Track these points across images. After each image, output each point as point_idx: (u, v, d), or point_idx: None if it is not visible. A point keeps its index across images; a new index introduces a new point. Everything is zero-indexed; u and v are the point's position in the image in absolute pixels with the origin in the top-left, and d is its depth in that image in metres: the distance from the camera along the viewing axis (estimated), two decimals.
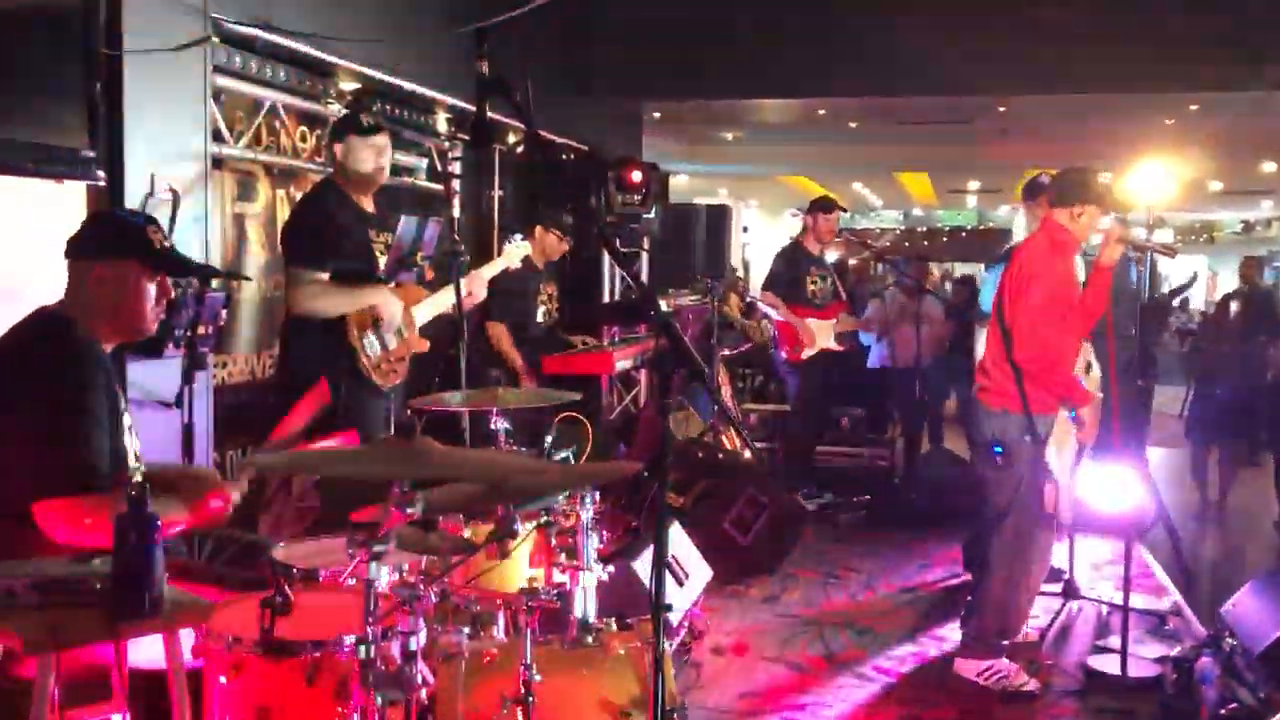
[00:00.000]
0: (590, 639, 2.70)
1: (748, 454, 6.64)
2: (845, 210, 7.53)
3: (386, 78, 5.87)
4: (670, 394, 2.10)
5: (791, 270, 7.00)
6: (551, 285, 6.12)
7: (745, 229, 21.40)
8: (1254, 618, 4.34)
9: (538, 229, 6.00)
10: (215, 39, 4.35)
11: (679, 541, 4.67)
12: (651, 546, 4.49)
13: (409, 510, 2.13)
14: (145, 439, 2.85)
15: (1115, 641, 4.46)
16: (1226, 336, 8.59)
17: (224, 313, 4.03)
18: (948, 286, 13.67)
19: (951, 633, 4.76)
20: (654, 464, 4.61)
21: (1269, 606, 4.34)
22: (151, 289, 2.65)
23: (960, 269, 18.31)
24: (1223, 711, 3.79)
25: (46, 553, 2.39)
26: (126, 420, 2.68)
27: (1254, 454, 9.15)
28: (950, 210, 25.87)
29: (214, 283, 3.94)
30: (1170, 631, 4.88)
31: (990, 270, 5.67)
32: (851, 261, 13.87)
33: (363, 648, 2.13)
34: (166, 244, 2.69)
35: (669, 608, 2.30)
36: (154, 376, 3.83)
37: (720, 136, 12.92)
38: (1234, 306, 8.72)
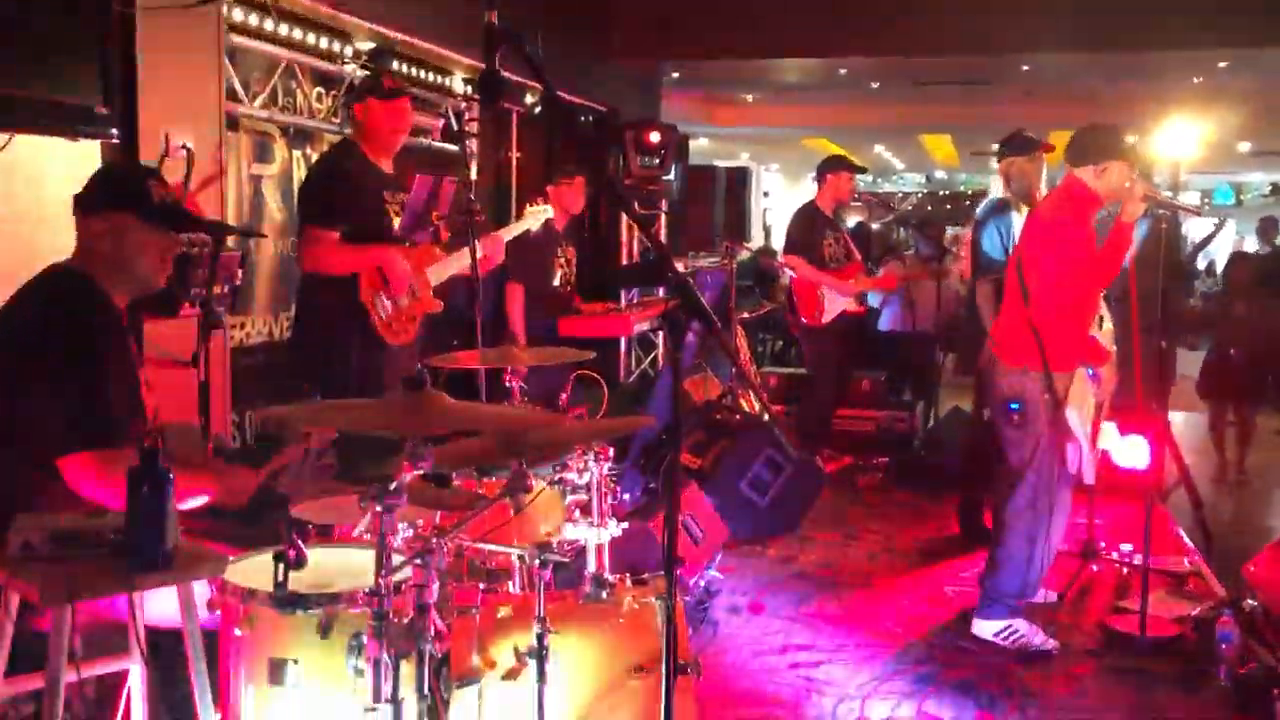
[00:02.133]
0: (604, 594, 2.70)
1: (766, 416, 6.63)
2: (863, 170, 7.44)
3: (403, 36, 5.84)
4: (681, 348, 2.08)
5: (807, 233, 6.94)
6: (571, 249, 6.12)
7: (766, 193, 21.28)
8: (1274, 578, 4.32)
9: (549, 189, 6.00)
10: None
11: (696, 502, 4.68)
12: (666, 502, 4.51)
13: (420, 464, 2.12)
14: (161, 398, 2.86)
15: (1135, 602, 4.44)
16: (1240, 296, 8.51)
17: (240, 272, 4.04)
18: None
19: (970, 593, 4.75)
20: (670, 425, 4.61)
21: None
22: (153, 242, 2.64)
23: None
24: (1242, 671, 3.78)
25: (69, 505, 2.41)
26: (141, 376, 2.69)
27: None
28: (973, 174, 25.61)
29: (229, 241, 3.94)
30: (1190, 593, 4.86)
31: (985, 226, 5.57)
32: (875, 226, 13.76)
33: (376, 600, 2.14)
34: (169, 198, 2.68)
35: (681, 562, 2.30)
36: (170, 335, 3.84)
37: (740, 97, 12.81)
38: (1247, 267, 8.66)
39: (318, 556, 2.38)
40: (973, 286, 5.76)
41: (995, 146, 5.88)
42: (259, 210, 5.29)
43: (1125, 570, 5.10)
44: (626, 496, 4.16)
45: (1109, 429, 5.17)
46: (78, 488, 2.41)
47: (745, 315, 8.45)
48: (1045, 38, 8.31)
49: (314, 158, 5.54)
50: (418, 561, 2.18)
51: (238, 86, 4.88)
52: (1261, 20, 7.66)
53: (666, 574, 2.12)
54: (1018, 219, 5.44)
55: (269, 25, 4.96)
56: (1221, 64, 9.37)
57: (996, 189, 5.86)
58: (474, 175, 7.06)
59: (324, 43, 5.48)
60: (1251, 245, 15.45)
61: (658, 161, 8.21)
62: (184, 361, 3.83)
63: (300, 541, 2.19)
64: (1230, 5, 7.73)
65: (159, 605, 2.39)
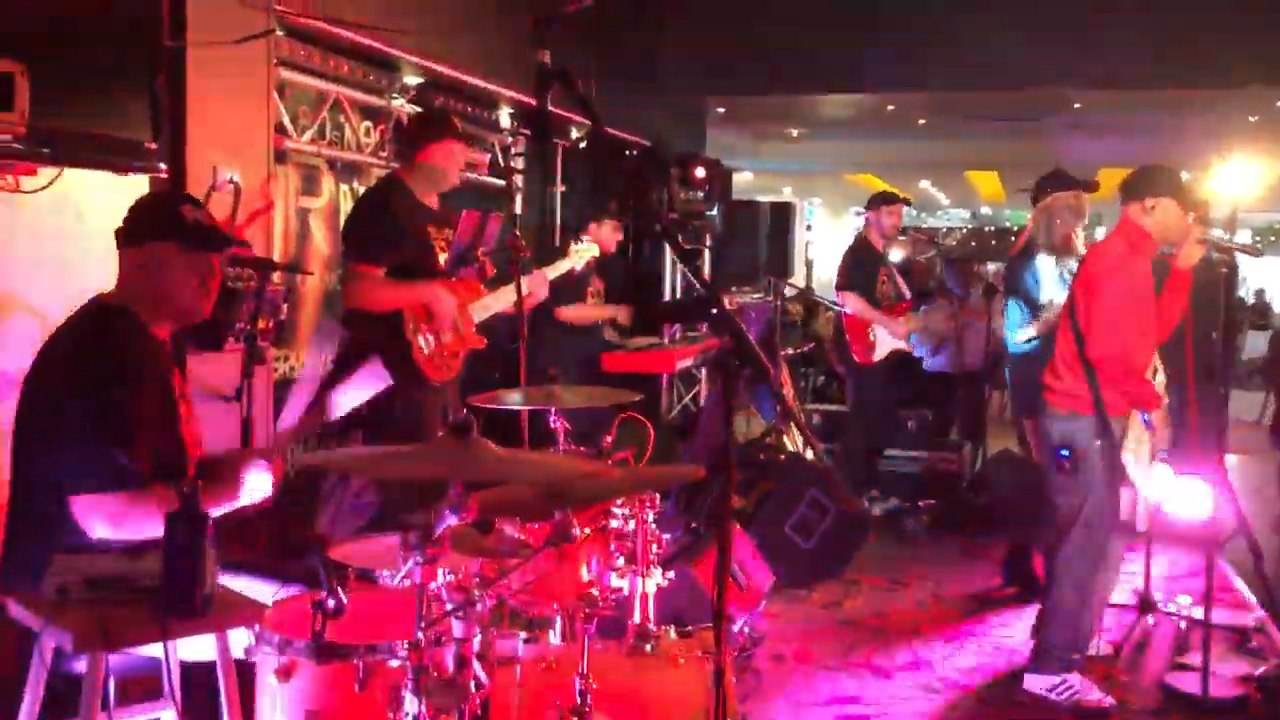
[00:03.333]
0: (649, 646, 2.62)
1: (810, 455, 6.52)
2: (909, 202, 7.33)
3: (449, 71, 5.85)
4: (735, 395, 2.01)
5: (862, 270, 6.85)
6: (601, 282, 6.13)
7: (809, 227, 21.19)
8: None
9: (591, 225, 6.03)
10: (279, 31, 4.34)
11: (740, 545, 4.58)
12: (713, 548, 4.42)
13: (463, 513, 2.06)
14: (204, 433, 2.83)
15: (1195, 659, 4.27)
16: None
17: (285, 306, 4.02)
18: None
19: (1021, 644, 4.61)
20: (715, 466, 4.51)
21: None
22: (192, 267, 2.61)
23: None
24: None
25: (87, 538, 2.37)
26: (181, 410, 2.65)
27: None
28: (1018, 210, 25.39)
29: (275, 276, 3.93)
30: (1254, 649, 4.68)
31: (1022, 264, 5.43)
32: (919, 259, 13.61)
33: (415, 653, 2.07)
34: (203, 219, 2.65)
35: (730, 619, 2.22)
36: (214, 370, 3.82)
37: (785, 132, 12.78)
38: None
39: (359, 603, 2.32)
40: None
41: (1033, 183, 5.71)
42: (305, 243, 5.30)
43: (1184, 625, 4.92)
44: (667, 536, 4.07)
45: (1163, 473, 5.01)
46: (87, 528, 2.38)
47: (789, 351, 8.35)
48: (1095, 74, 8.21)
49: (360, 191, 5.54)
50: (459, 615, 2.11)
51: (286, 120, 4.89)
52: None
53: (715, 632, 2.04)
54: (1045, 261, 5.32)
55: (318, 59, 4.98)
56: (1279, 103, 9.20)
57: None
58: (519, 210, 7.08)
59: (372, 77, 5.49)
60: None
61: (702, 196, 8.17)
62: (227, 396, 3.81)
63: (339, 588, 2.13)
64: None
65: (195, 641, 2.34)
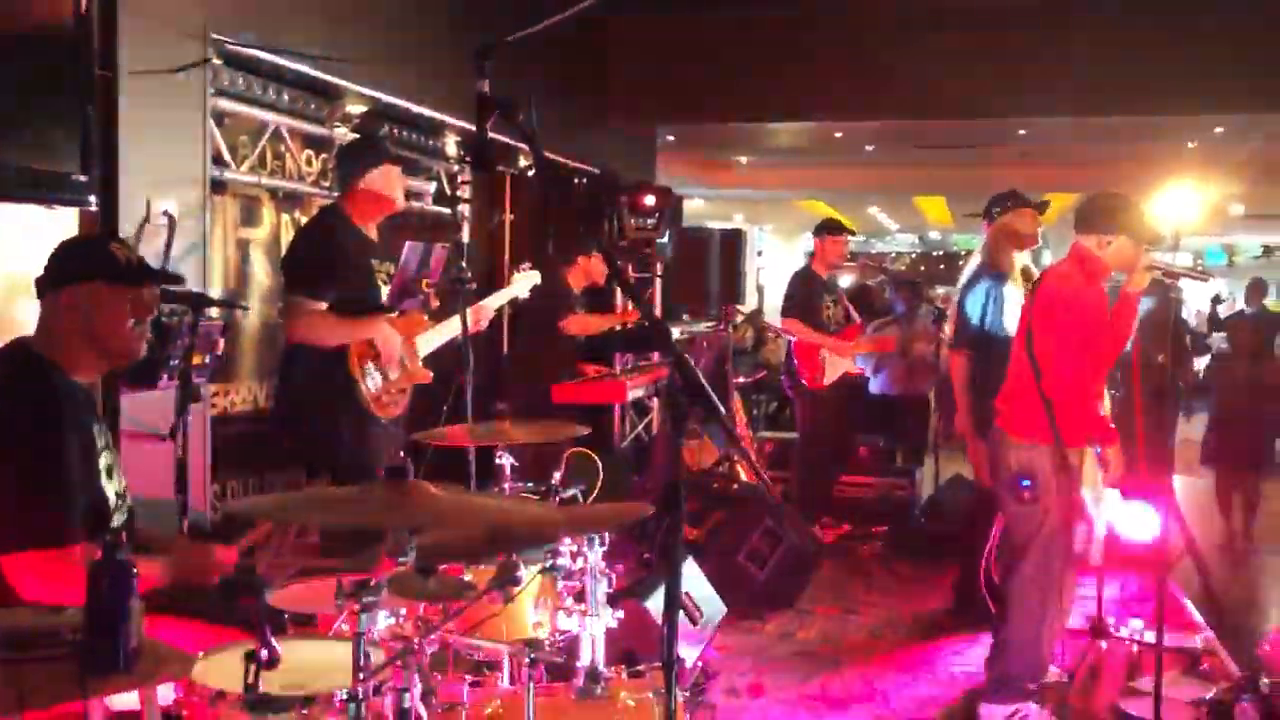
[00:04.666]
0: (598, 689, 2.55)
1: (762, 485, 6.49)
2: (854, 233, 7.38)
3: (393, 99, 5.77)
4: (684, 433, 1.96)
5: (806, 297, 6.87)
6: (583, 311, 6.27)
7: (760, 253, 21.28)
8: None
9: (580, 258, 6.15)
10: (216, 60, 4.25)
11: (693, 576, 4.52)
12: (663, 585, 4.35)
13: (403, 558, 1.99)
14: (138, 473, 2.73)
15: (1147, 682, 4.27)
16: (1238, 361, 8.43)
17: (221, 341, 3.92)
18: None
19: (975, 672, 4.58)
20: (666, 500, 4.44)
21: None
22: (125, 306, 2.52)
23: None
24: None
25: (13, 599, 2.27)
26: (104, 460, 2.55)
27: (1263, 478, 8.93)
28: (965, 234, 25.70)
29: (212, 310, 3.82)
30: (1205, 671, 4.69)
31: (971, 290, 5.41)
32: (869, 283, 13.71)
33: (352, 706, 1.99)
34: (133, 257, 2.57)
35: (680, 661, 2.16)
36: (148, 407, 3.70)
37: (735, 160, 12.82)
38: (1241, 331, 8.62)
39: (296, 650, 2.23)
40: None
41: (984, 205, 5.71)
42: (245, 275, 5.19)
43: (1136, 648, 4.93)
44: (620, 568, 4.01)
45: (1112, 497, 5.02)
46: (19, 589, 2.27)
47: (741, 379, 8.34)
48: (1041, 102, 8.32)
49: (303, 221, 5.45)
50: (398, 663, 2.03)
51: (224, 150, 4.79)
52: (1258, 86, 7.66)
53: (666, 674, 1.97)
54: (1012, 288, 5.31)
55: (257, 89, 4.89)
56: (1218, 129, 9.38)
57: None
58: (466, 239, 7.01)
59: (313, 106, 5.41)
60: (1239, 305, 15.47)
61: (652, 223, 8.14)
62: (161, 434, 3.69)
63: (273, 639, 2.04)
64: (1225, 71, 7.73)
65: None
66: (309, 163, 5.56)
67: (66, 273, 2.51)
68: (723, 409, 1.98)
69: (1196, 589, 5.74)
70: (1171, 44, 7.69)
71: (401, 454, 3.81)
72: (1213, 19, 7.64)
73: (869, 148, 11.25)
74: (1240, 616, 5.57)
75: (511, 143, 6.85)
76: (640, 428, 8.53)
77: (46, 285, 2.52)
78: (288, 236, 5.39)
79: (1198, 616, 5.54)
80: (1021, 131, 9.88)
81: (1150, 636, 4.37)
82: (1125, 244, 4.08)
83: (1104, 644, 4.97)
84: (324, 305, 3.92)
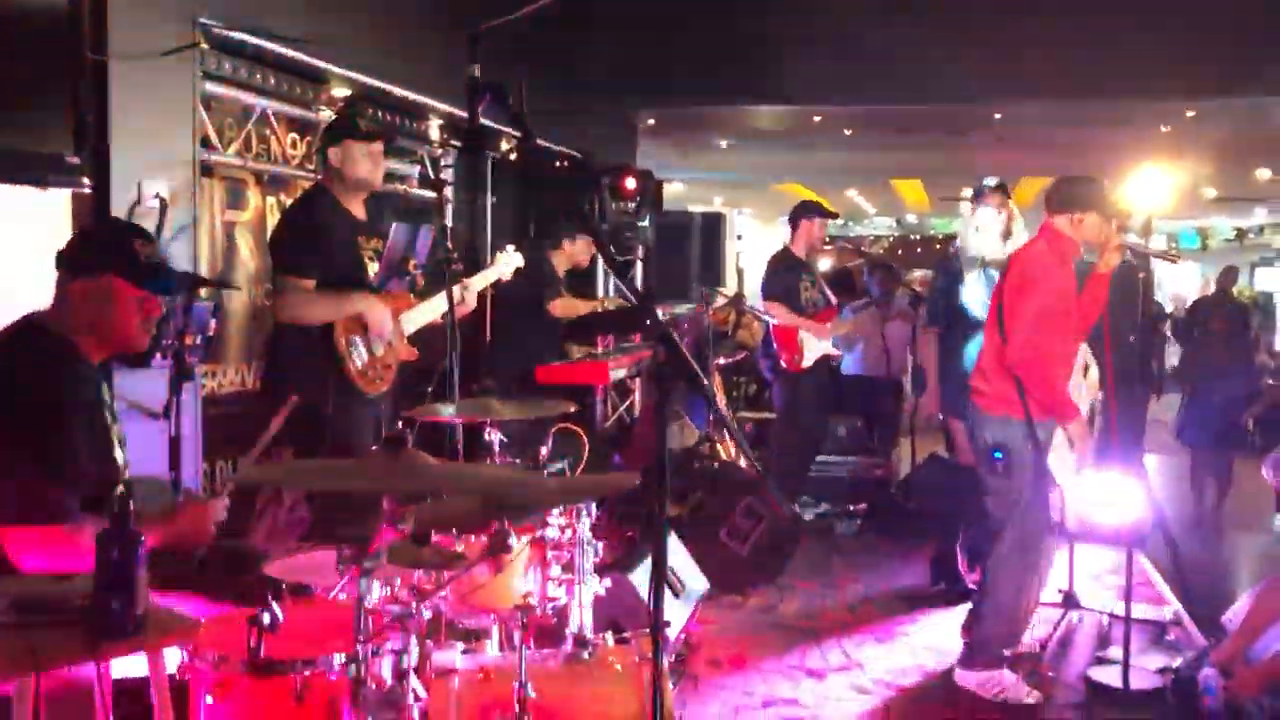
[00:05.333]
0: (586, 654, 2.64)
1: (744, 463, 6.58)
2: (835, 216, 7.46)
3: (378, 83, 5.82)
4: (668, 406, 2.05)
5: (785, 279, 6.95)
6: (567, 294, 6.40)
7: (739, 237, 21.35)
8: (1254, 626, 4.30)
9: (565, 241, 6.30)
10: (204, 44, 4.29)
11: (675, 552, 4.62)
12: (648, 558, 4.45)
13: (400, 526, 2.07)
14: (132, 451, 2.80)
15: (1116, 652, 4.40)
16: (1211, 344, 8.59)
17: (213, 322, 3.98)
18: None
19: (951, 643, 4.70)
20: (649, 475, 4.52)
21: (1268, 617, 4.30)
22: (138, 304, 2.59)
23: None
24: None
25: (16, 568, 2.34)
26: (114, 434, 2.62)
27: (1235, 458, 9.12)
28: (943, 218, 25.85)
29: (203, 292, 3.88)
30: (1171, 642, 4.83)
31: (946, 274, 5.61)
32: (847, 266, 13.82)
33: (353, 667, 2.07)
34: (154, 257, 2.64)
35: (666, 625, 2.25)
36: (141, 387, 3.76)
37: (715, 143, 12.87)
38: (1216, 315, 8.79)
39: (290, 616, 2.31)
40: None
41: (968, 192, 5.88)
42: (231, 257, 5.23)
43: (1106, 620, 5.07)
44: (602, 544, 4.12)
45: (1085, 475, 5.15)
46: (18, 561, 2.35)
47: (722, 361, 8.42)
48: (1017, 87, 8.42)
49: (288, 204, 5.49)
50: (396, 627, 2.12)
51: (211, 133, 4.84)
52: (1227, 70, 7.79)
53: (653, 638, 2.07)
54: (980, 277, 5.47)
55: (243, 72, 4.93)
56: (1189, 113, 9.50)
57: (970, 237, 5.82)
58: (449, 221, 7.06)
59: (298, 89, 5.45)
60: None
61: (634, 207, 8.21)
62: (154, 413, 3.75)
63: (275, 604, 2.13)
64: (1196, 56, 7.86)
65: (127, 659, 2.31)
66: (294, 146, 5.61)
67: (90, 261, 2.57)
68: (705, 381, 2.07)
69: (1166, 563, 5.89)
70: (1143, 29, 7.80)
71: (400, 424, 3.87)
72: (1185, 4, 7.76)
73: (847, 131, 11.33)
74: (1207, 589, 5.71)
75: (495, 126, 6.92)
76: (622, 409, 8.61)
77: (68, 267, 2.58)
78: (273, 219, 5.43)
79: (1166, 590, 5.69)
80: (997, 116, 9.98)
81: (1120, 608, 4.50)
82: (1095, 220, 4.21)
83: (1075, 616, 5.11)
84: (311, 283, 3.98)
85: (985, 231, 5.58)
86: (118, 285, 2.57)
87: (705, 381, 2.10)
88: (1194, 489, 8.09)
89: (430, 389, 5.66)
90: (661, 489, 2.07)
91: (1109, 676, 4.33)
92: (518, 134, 2.26)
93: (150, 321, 2.66)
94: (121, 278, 2.56)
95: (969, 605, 4.63)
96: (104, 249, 2.63)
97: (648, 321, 2.12)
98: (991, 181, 5.60)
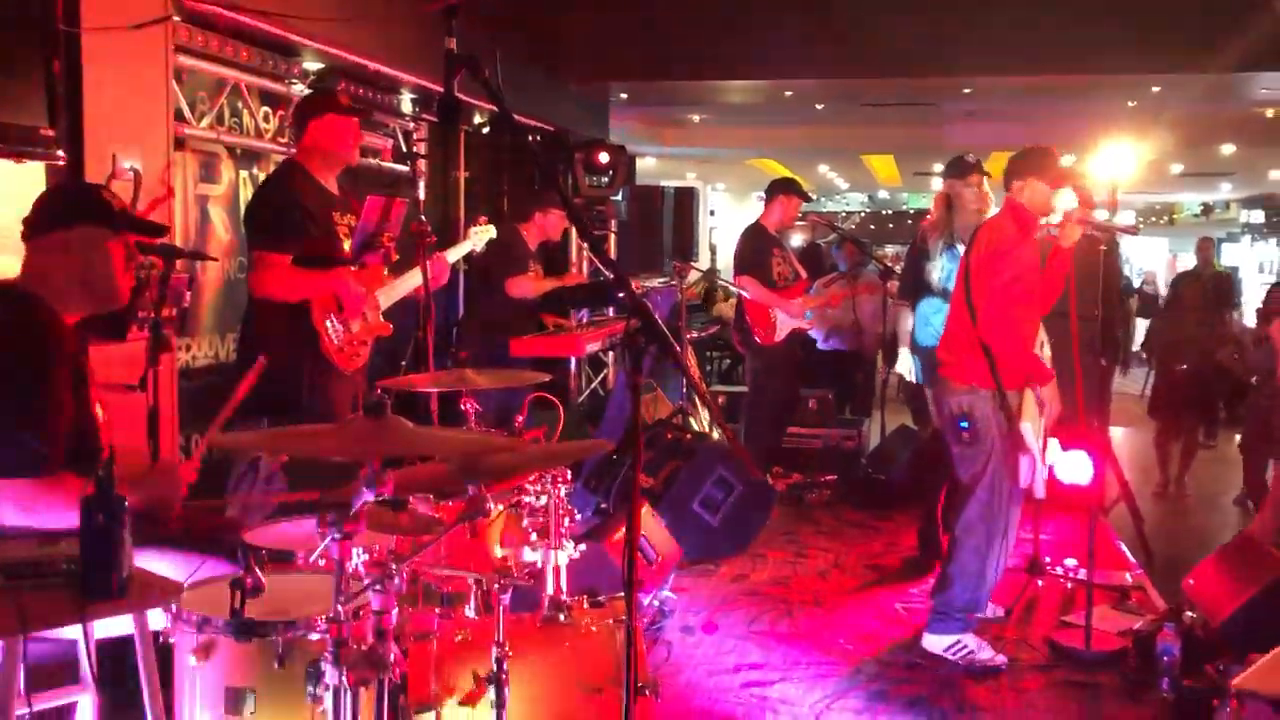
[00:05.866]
0: (562, 616, 2.70)
1: (717, 435, 6.66)
2: (809, 199, 7.54)
3: (351, 56, 5.82)
4: (641, 372, 2.10)
5: (757, 253, 7.01)
6: (539, 265, 6.39)
7: (712, 212, 21.41)
8: (1212, 591, 4.43)
9: (536, 214, 6.26)
10: (176, 17, 4.29)
11: (649, 522, 4.69)
12: (623, 526, 4.52)
13: (380, 489, 2.11)
14: (109, 423, 2.82)
15: (1079, 616, 4.52)
16: (1183, 317, 8.72)
17: (188, 294, 3.99)
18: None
19: (919, 609, 4.80)
20: (624, 444, 4.57)
21: (1226, 580, 4.44)
22: (120, 252, 2.62)
23: None
24: (1185, 683, 3.86)
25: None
26: (95, 392, 2.66)
27: (1210, 434, 9.33)
28: (914, 192, 25.99)
29: (178, 263, 3.90)
30: (1132, 606, 4.96)
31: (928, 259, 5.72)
32: (820, 241, 13.90)
33: (335, 627, 2.12)
34: (125, 205, 2.67)
35: (640, 584, 2.32)
36: (115, 359, 3.77)
37: (687, 118, 12.90)
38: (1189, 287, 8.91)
39: (269, 583, 2.36)
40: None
41: (938, 167, 5.97)
42: (204, 230, 5.24)
43: (1070, 585, 5.19)
44: (578, 516, 4.19)
45: (1052, 445, 5.26)
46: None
47: (694, 334, 8.49)
48: (987, 62, 8.50)
49: (260, 178, 5.49)
50: (377, 588, 2.17)
51: (184, 106, 4.83)
52: (1193, 46, 7.88)
53: (626, 597, 2.13)
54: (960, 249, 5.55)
55: (216, 45, 4.92)
56: (1155, 88, 9.61)
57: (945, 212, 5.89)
58: (421, 195, 7.08)
59: (271, 63, 5.44)
60: (1185, 264, 15.88)
61: (607, 181, 8.25)
62: (130, 386, 3.76)
63: (257, 568, 2.17)
64: (1161, 32, 7.96)
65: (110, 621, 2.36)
66: (266, 119, 5.60)
67: (67, 214, 2.59)
68: (679, 350, 2.13)
69: (1129, 531, 6.03)
70: (1111, 4, 7.89)
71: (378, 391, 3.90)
72: None
73: (819, 106, 11.38)
74: (1169, 556, 5.86)
75: (470, 100, 6.92)
76: (596, 383, 8.67)
77: (39, 226, 2.60)
78: (245, 193, 5.44)
79: (1129, 555, 5.82)
80: (967, 90, 10.06)
81: (1084, 574, 4.62)
82: (1035, 185, 4.32)
83: (1040, 581, 5.23)
84: (287, 259, 4.00)
85: (963, 209, 5.66)
86: (95, 232, 2.59)
87: (677, 349, 2.15)
88: (1159, 459, 8.24)
89: (404, 362, 5.72)
90: (635, 451, 2.13)
91: (1072, 639, 4.45)
92: (494, 107, 2.29)
93: (131, 271, 2.68)
94: (104, 226, 2.58)
95: (936, 571, 4.73)
96: (82, 201, 2.65)
97: (622, 291, 2.17)
98: (971, 158, 5.68)
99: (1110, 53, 8.18)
